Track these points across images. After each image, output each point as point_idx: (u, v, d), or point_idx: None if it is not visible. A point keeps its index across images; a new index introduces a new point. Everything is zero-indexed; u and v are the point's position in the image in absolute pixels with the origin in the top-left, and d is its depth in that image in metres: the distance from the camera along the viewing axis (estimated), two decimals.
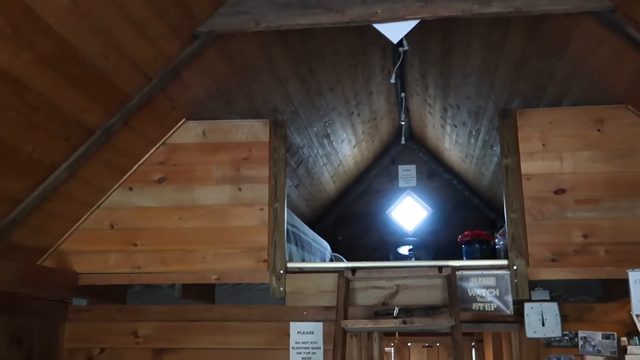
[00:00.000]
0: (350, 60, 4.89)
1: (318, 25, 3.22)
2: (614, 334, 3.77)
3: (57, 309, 4.14)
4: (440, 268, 3.56)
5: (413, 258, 6.73)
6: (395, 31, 3.14)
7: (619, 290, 3.43)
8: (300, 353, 3.96)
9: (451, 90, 5.28)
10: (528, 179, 3.57)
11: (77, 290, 3.77)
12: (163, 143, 3.87)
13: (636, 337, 3.54)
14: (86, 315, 4.21)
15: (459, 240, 5.22)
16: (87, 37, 2.74)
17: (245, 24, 3.22)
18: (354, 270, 3.64)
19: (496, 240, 4.81)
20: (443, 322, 3.41)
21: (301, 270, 3.74)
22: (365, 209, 8.01)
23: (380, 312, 3.77)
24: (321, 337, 3.95)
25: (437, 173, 7.88)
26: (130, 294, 4.31)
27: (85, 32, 2.71)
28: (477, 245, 4.95)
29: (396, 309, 3.60)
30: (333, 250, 6.10)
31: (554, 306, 3.67)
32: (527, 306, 3.67)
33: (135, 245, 3.75)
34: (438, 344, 7.67)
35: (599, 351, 3.77)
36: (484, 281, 3.53)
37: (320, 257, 5.26)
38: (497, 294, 3.50)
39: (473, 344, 7.18)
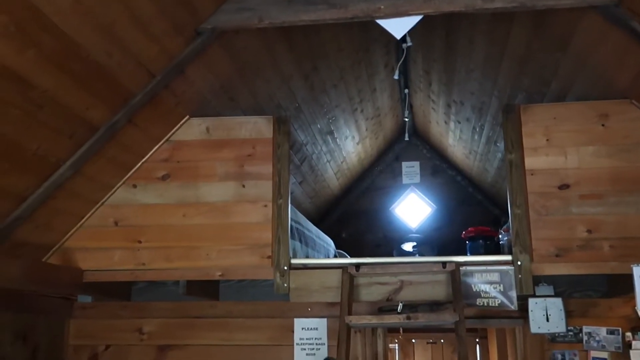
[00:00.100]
0: (353, 56, 4.89)
1: (321, 21, 3.22)
2: (618, 329, 3.77)
3: (62, 306, 4.15)
4: (444, 264, 3.56)
5: (417, 254, 6.73)
6: (398, 27, 3.14)
7: (624, 285, 3.42)
8: (305, 349, 3.97)
9: (455, 86, 5.27)
10: (532, 174, 3.56)
11: (82, 287, 3.79)
12: (167, 140, 3.87)
13: None
14: (91, 312, 4.23)
15: (462, 236, 5.21)
16: (90, 34, 2.74)
17: (248, 21, 3.22)
18: (357, 266, 3.64)
19: (500, 236, 4.80)
20: (447, 318, 3.41)
21: (305, 267, 3.75)
22: (369, 206, 8.01)
23: (385, 308, 3.77)
24: (325, 333, 3.96)
25: (441, 169, 7.87)
26: (135, 291, 4.32)
27: (88, 30, 2.72)
28: (481, 241, 4.95)
29: (400, 304, 3.60)
30: (337, 247, 6.10)
31: (558, 301, 3.67)
32: (532, 302, 3.67)
33: (140, 242, 3.76)
34: (442, 341, 7.68)
35: (603, 346, 3.77)
36: (488, 277, 3.53)
37: (324, 253, 5.27)
38: (501, 290, 3.50)
39: (477, 340, 7.18)
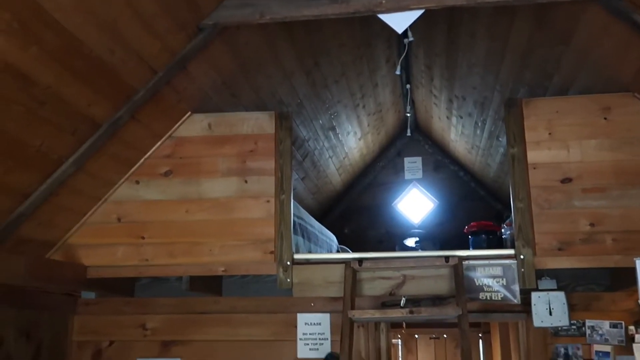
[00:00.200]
0: (355, 52, 4.89)
1: (323, 16, 3.22)
2: (621, 323, 3.77)
3: (65, 302, 4.17)
4: (447, 258, 3.57)
5: (419, 250, 6.73)
6: (400, 21, 3.14)
7: (627, 279, 3.42)
8: (308, 344, 3.98)
9: (457, 81, 5.26)
10: (534, 168, 3.56)
11: (85, 283, 3.79)
12: (169, 136, 3.88)
13: None
14: (95, 308, 4.24)
15: (465, 231, 5.21)
16: (92, 31, 2.75)
17: (250, 16, 3.22)
18: (360, 260, 3.64)
19: (503, 230, 4.80)
20: (450, 312, 3.42)
21: (308, 262, 3.75)
22: (372, 202, 8.01)
23: (387, 302, 3.78)
24: (328, 328, 3.97)
25: (443, 165, 7.87)
26: (138, 287, 4.33)
27: (91, 26, 2.72)
28: (483, 235, 4.94)
29: (403, 299, 3.61)
30: (340, 243, 6.11)
31: (561, 295, 3.67)
32: (534, 295, 3.67)
33: (143, 238, 3.77)
34: (445, 336, 7.68)
35: (606, 340, 3.77)
36: (490, 271, 3.53)
37: (326, 249, 5.27)
38: (504, 284, 3.50)
39: (480, 335, 7.19)
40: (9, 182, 3.07)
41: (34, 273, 3.33)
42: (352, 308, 3.54)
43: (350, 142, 6.66)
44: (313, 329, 3.99)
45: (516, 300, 3.50)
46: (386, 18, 3.17)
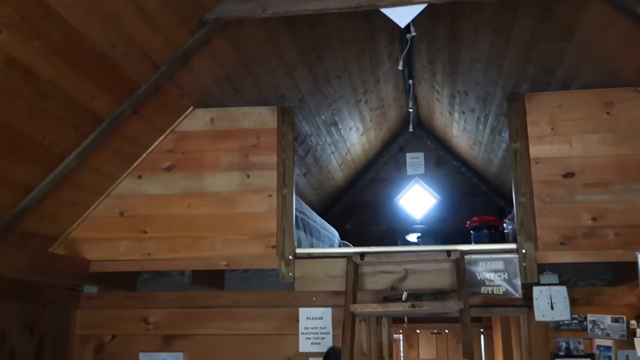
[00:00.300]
0: (357, 47, 4.88)
1: (325, 10, 3.21)
2: (623, 317, 3.77)
3: (68, 297, 4.18)
4: (448, 252, 3.57)
5: (421, 245, 6.73)
6: (402, 15, 3.13)
7: (629, 273, 3.42)
8: (310, 338, 3.99)
9: (459, 77, 5.26)
10: (537, 163, 3.56)
11: (88, 277, 3.81)
12: (172, 131, 3.88)
13: None
14: (97, 303, 4.26)
15: (467, 226, 5.22)
16: (95, 25, 2.75)
17: (252, 11, 3.22)
18: (362, 255, 3.65)
19: (505, 225, 4.81)
20: (452, 306, 3.42)
21: (310, 256, 3.76)
22: (374, 197, 8.01)
23: (389, 296, 3.78)
24: (330, 322, 3.98)
25: (446, 160, 7.86)
26: (141, 281, 4.34)
27: (93, 20, 2.73)
28: (485, 230, 4.95)
29: (405, 293, 3.61)
30: (342, 239, 6.11)
31: (562, 290, 3.67)
32: (536, 290, 3.67)
33: (145, 232, 3.78)
34: (447, 331, 7.69)
35: (608, 334, 3.78)
36: (492, 265, 3.54)
37: (328, 244, 5.28)
38: (506, 278, 3.50)
39: (482, 330, 7.20)
40: (11, 176, 3.08)
41: (36, 267, 3.35)
42: (354, 302, 3.54)
43: (353, 137, 6.66)
44: (315, 323, 4.00)
45: (518, 294, 3.50)
46: (389, 12, 3.17)
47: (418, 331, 7.72)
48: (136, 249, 3.77)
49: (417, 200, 7.96)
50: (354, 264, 3.63)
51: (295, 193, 3.85)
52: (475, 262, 3.58)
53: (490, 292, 3.53)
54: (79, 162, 3.35)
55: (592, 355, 3.80)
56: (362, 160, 7.69)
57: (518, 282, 3.49)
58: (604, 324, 3.79)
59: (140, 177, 3.85)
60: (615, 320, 3.78)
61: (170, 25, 3.11)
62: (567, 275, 3.89)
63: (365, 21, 4.49)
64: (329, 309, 3.99)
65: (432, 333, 7.71)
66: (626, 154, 3.50)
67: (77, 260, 3.74)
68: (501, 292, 3.51)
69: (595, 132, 3.56)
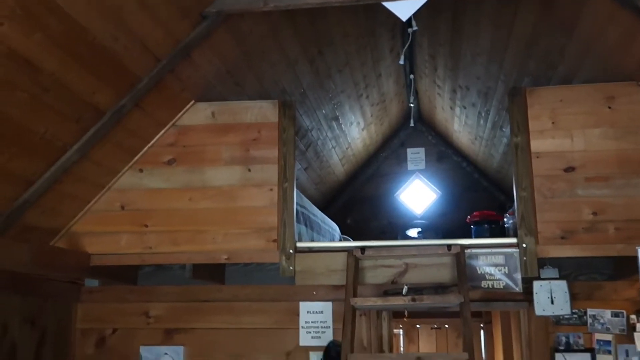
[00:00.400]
0: (359, 41, 4.88)
1: (327, 4, 3.21)
2: (623, 312, 3.78)
3: (69, 290, 4.19)
4: (449, 246, 3.57)
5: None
6: (404, 9, 3.12)
7: (629, 268, 3.43)
8: (310, 332, 4.00)
9: (460, 71, 5.25)
10: (538, 157, 3.56)
11: (89, 271, 3.82)
12: (173, 125, 3.88)
13: None
14: (98, 296, 4.27)
15: (467, 220, 5.22)
16: (96, 17, 2.75)
17: (253, 4, 3.21)
18: (363, 249, 3.65)
19: (505, 219, 4.81)
20: (452, 300, 3.43)
21: (310, 250, 3.77)
22: (374, 192, 8.01)
23: (390, 290, 3.79)
24: (330, 316, 3.99)
25: (446, 155, 7.86)
26: (142, 275, 4.35)
27: (94, 13, 2.72)
28: (486, 225, 4.95)
29: (405, 287, 3.62)
30: (342, 233, 6.12)
31: (562, 284, 3.67)
32: (536, 284, 3.68)
33: (146, 226, 3.78)
34: (447, 326, 7.70)
35: (607, 329, 3.78)
36: (493, 259, 3.54)
37: (329, 238, 5.28)
38: (506, 272, 3.50)
39: (482, 325, 7.20)
40: (13, 169, 3.09)
41: (38, 260, 3.35)
42: (355, 296, 3.55)
43: (354, 132, 6.66)
44: (315, 317, 4.01)
45: (518, 288, 3.51)
46: (391, 5, 3.16)
47: (418, 326, 7.73)
48: (137, 243, 3.77)
49: (418, 195, 7.96)
50: (354, 258, 3.64)
51: (296, 187, 3.86)
52: (476, 256, 3.58)
53: (490, 286, 3.53)
54: (80, 155, 3.35)
55: (592, 350, 3.81)
56: (363, 155, 7.69)
57: (518, 276, 3.50)
58: (604, 318, 3.80)
59: (141, 170, 3.85)
60: (615, 315, 3.79)
61: (172, 19, 3.10)
62: (568, 269, 3.89)
63: (367, 15, 4.48)
64: (330, 303, 4.00)
65: (432, 328, 7.72)
66: (627, 149, 3.50)
67: (78, 254, 3.74)
68: (501, 286, 3.51)
69: (597, 126, 3.55)
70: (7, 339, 3.54)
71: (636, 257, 3.22)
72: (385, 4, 3.15)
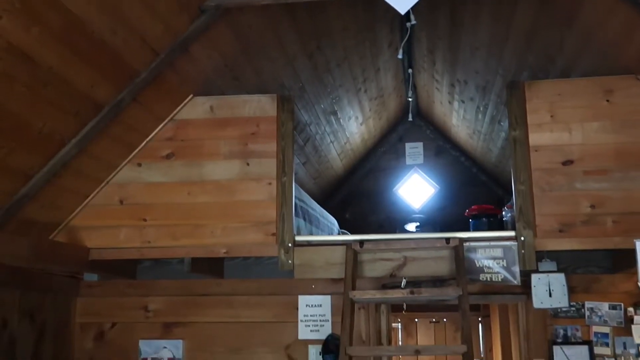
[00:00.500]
0: (357, 36, 4.87)
1: None
2: (620, 305, 3.80)
3: (69, 284, 4.20)
4: (447, 240, 3.58)
5: None
6: (403, 2, 3.11)
7: (627, 260, 3.45)
8: (309, 326, 4.02)
9: (459, 65, 5.25)
10: (536, 151, 3.56)
11: (88, 265, 3.82)
12: (171, 119, 3.88)
13: None
14: (97, 290, 4.28)
15: (466, 214, 5.22)
16: (95, 11, 2.75)
17: None
18: (361, 242, 3.66)
19: (503, 213, 4.82)
20: (450, 293, 3.44)
21: (309, 243, 3.77)
22: (373, 187, 8.02)
23: (388, 284, 3.80)
24: (329, 310, 4.00)
25: (445, 150, 7.87)
26: (141, 269, 4.36)
27: (93, 7, 2.72)
28: (484, 219, 4.96)
29: (404, 280, 3.63)
30: (341, 227, 6.12)
31: (560, 277, 3.69)
32: (534, 277, 3.69)
33: (145, 220, 3.78)
34: (445, 320, 7.72)
35: (605, 322, 3.80)
36: (491, 252, 3.55)
37: (327, 232, 5.29)
38: (505, 265, 3.51)
39: (480, 319, 7.22)
40: (11, 164, 3.08)
41: (37, 255, 3.35)
42: (353, 289, 3.56)
43: (352, 127, 6.66)
44: (314, 311, 4.02)
45: (516, 281, 3.52)
46: None
47: (416, 320, 7.75)
48: (136, 237, 3.77)
49: (416, 189, 7.97)
50: (353, 252, 3.65)
51: (295, 182, 3.86)
52: (474, 249, 3.59)
53: (488, 279, 3.54)
54: (78, 149, 3.35)
55: (589, 342, 3.83)
56: (361, 149, 7.69)
57: (517, 269, 3.51)
58: (602, 311, 3.82)
59: (140, 164, 3.85)
60: (613, 308, 3.81)
61: (170, 12, 3.10)
62: (566, 262, 3.90)
63: (366, 9, 4.48)
64: (328, 297, 4.02)
65: (430, 322, 7.74)
66: (626, 142, 3.50)
67: (77, 248, 3.74)
68: (500, 279, 3.52)
69: (595, 119, 3.55)
70: (6, 333, 3.54)
71: (634, 250, 3.24)
72: None
